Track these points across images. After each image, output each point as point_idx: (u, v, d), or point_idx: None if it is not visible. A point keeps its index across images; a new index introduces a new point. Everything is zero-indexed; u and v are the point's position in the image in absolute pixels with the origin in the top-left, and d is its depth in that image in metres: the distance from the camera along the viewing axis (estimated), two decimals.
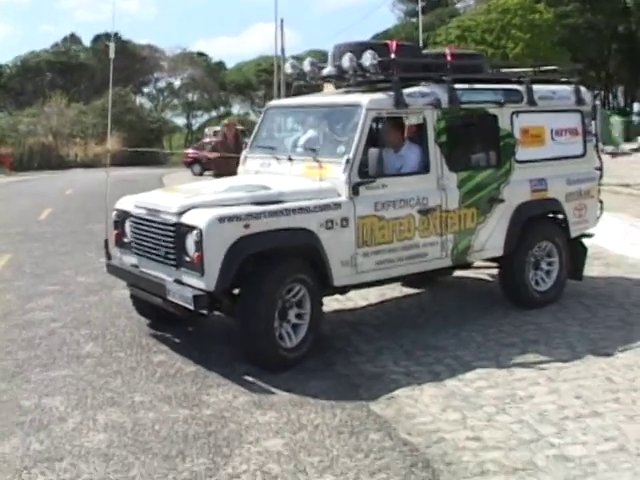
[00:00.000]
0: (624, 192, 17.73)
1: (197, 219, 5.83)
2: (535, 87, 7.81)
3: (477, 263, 7.88)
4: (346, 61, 6.90)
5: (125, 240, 6.96)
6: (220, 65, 74.51)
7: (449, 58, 7.59)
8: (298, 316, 6.18)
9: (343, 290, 6.74)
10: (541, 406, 5.27)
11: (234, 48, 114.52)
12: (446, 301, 8.38)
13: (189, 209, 6.02)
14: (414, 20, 51.50)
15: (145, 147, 46.77)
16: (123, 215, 6.96)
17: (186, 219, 5.94)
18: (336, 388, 5.71)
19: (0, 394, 5.65)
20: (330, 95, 7.69)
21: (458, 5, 52.59)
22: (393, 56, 6.93)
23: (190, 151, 36.50)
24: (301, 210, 6.11)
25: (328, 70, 7.35)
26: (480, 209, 7.25)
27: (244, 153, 7.81)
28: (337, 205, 6.30)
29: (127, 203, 6.95)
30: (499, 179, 7.42)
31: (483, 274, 8.92)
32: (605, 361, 6.16)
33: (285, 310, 6.09)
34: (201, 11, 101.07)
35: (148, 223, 6.45)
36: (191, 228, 5.83)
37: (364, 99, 6.65)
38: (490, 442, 4.73)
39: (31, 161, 46.21)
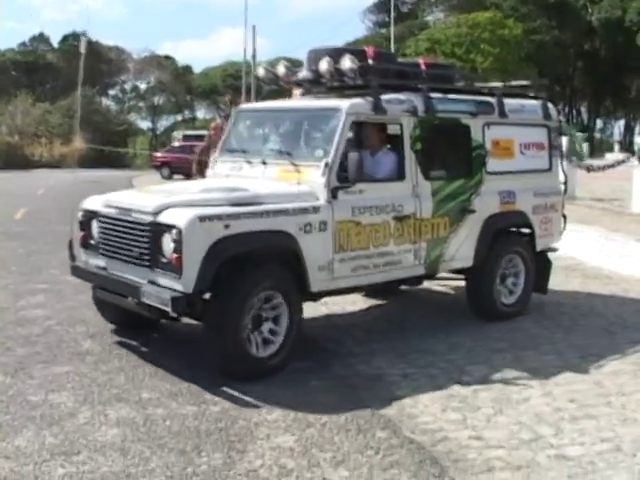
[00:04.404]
0: (598, 206, 18.18)
1: (176, 218, 5.67)
2: (506, 100, 7.88)
3: (442, 274, 7.82)
4: (324, 65, 6.84)
5: (91, 241, 6.73)
6: (187, 69, 74.31)
7: (424, 67, 7.67)
8: (275, 322, 6.07)
9: (317, 296, 6.62)
10: (537, 408, 5.48)
11: (201, 52, 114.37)
12: (429, 307, 8.61)
13: (165, 208, 5.86)
14: (383, 31, 51.96)
15: (111, 149, 46.54)
16: (90, 215, 6.73)
17: (163, 218, 5.77)
18: (337, 388, 5.85)
19: (6, 389, 5.70)
20: (305, 100, 7.62)
21: (428, 18, 53.15)
22: (371, 62, 6.95)
23: (159, 154, 36.50)
24: (281, 212, 6.02)
25: (304, 74, 7.29)
26: (452, 219, 7.26)
27: (213, 157, 7.69)
28: (316, 209, 6.23)
29: (94, 203, 6.73)
30: (470, 189, 7.47)
31: (445, 287, 9.11)
32: (593, 367, 6.40)
33: (260, 317, 5.98)
34: (168, 13, 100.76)
35: (120, 223, 6.24)
36: (169, 227, 5.66)
37: (344, 103, 6.62)
38: (492, 441, 4.91)
39: None
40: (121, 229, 6.21)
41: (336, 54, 6.89)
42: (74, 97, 50.15)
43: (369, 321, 7.99)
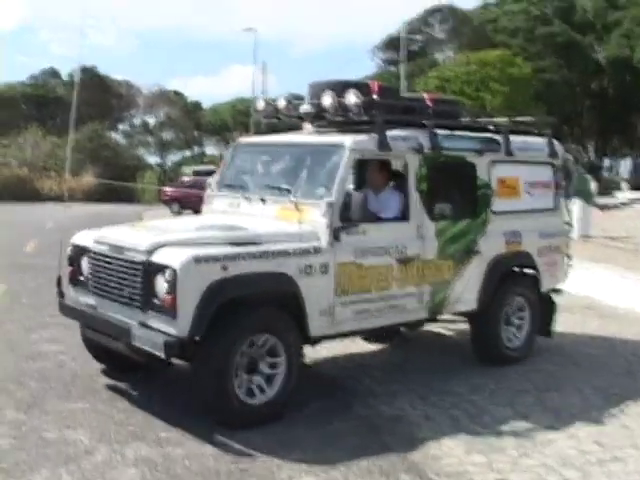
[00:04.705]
0: (612, 244, 18.10)
1: (170, 258, 5.39)
2: (512, 137, 7.60)
3: (446, 317, 7.55)
4: (327, 99, 6.57)
5: (81, 278, 6.45)
6: (196, 105, 74.76)
7: (429, 103, 7.37)
8: (271, 368, 5.75)
9: (317, 341, 6.28)
10: (562, 451, 5.37)
11: (210, 88, 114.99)
12: (445, 348, 8.44)
13: (160, 247, 5.58)
14: (393, 69, 52.25)
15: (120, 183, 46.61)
16: (80, 251, 6.47)
17: (157, 258, 5.49)
18: (359, 429, 5.75)
19: (19, 425, 5.60)
20: (307, 134, 7.34)
21: (437, 56, 53.49)
22: (375, 97, 6.67)
23: (168, 189, 36.56)
24: (281, 253, 5.73)
25: (305, 108, 6.94)
26: (457, 260, 6.97)
27: (209, 192, 7.35)
28: (317, 250, 5.93)
29: (85, 238, 6.46)
30: (476, 230, 7.18)
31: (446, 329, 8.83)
32: (617, 408, 6.30)
33: (254, 361, 5.68)
34: (178, 50, 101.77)
35: (111, 261, 5.96)
36: (163, 268, 5.38)
37: (347, 140, 6.35)
38: None
39: (4, 193, 45.74)
40: (112, 267, 5.94)
41: (338, 88, 6.63)
42: (83, 131, 50.40)
43: (386, 360, 7.89)
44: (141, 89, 67.75)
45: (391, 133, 6.57)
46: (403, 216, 6.64)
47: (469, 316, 7.50)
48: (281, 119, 7.47)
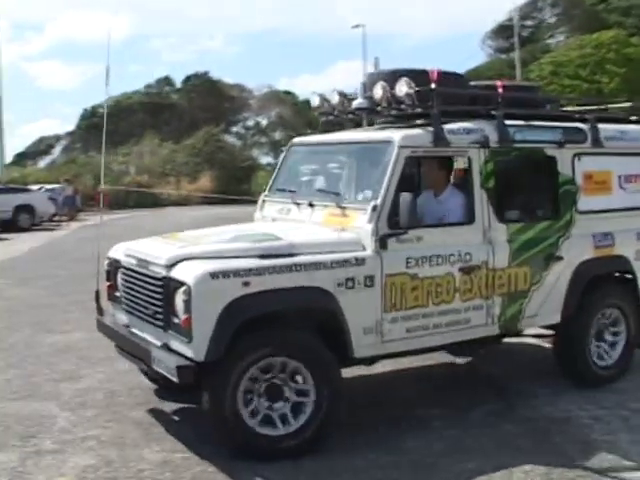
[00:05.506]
0: None
1: (186, 273, 4.93)
2: (601, 126, 6.77)
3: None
4: (378, 91, 5.98)
5: (117, 294, 6.06)
6: (306, 103, 75.46)
7: (500, 90, 6.65)
8: (299, 394, 5.20)
9: (371, 361, 5.80)
10: None
11: (317, 86, 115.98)
12: None
13: (181, 260, 5.13)
14: (504, 56, 51.38)
15: (235, 185, 47.44)
16: (115, 264, 6.08)
17: (176, 273, 5.03)
18: (529, 432, 5.66)
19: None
20: (360, 131, 6.80)
21: (549, 41, 52.27)
22: (433, 86, 5.97)
23: None
24: (315, 265, 5.16)
25: (358, 102, 6.33)
26: (534, 268, 6.18)
27: (262, 197, 6.88)
28: (360, 260, 5.33)
29: (120, 251, 6.07)
30: (557, 232, 6.38)
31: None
32: None
33: (278, 388, 5.14)
34: (283, 49, 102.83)
35: (137, 275, 5.57)
36: (180, 284, 4.93)
37: (396, 135, 5.72)
38: None
39: (126, 199, 47.30)
40: (139, 282, 5.54)
41: (393, 78, 5.97)
42: (198, 135, 51.67)
43: (540, 359, 7.64)
44: (252, 91, 68.95)
45: (450, 126, 5.93)
46: (467, 219, 5.96)
47: (553, 327, 6.66)
48: (337, 116, 6.84)
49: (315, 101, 6.84)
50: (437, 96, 5.89)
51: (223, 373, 4.94)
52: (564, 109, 7.73)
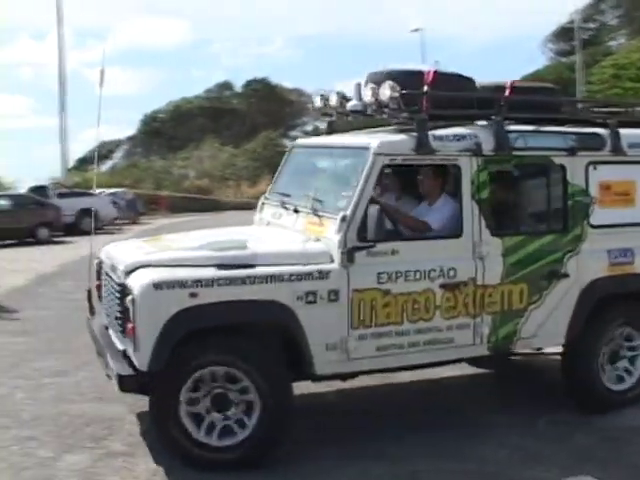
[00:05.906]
0: None
1: (135, 282, 4.80)
2: (625, 131, 6.16)
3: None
4: (367, 94, 5.66)
5: (102, 294, 5.97)
6: None
7: (507, 92, 6.17)
8: (245, 405, 5.01)
9: (342, 377, 5.55)
10: None
11: None
12: None
13: (139, 267, 4.98)
14: (565, 60, 50.73)
15: None
16: (99, 265, 6.02)
17: (130, 280, 4.89)
18: (602, 443, 5.56)
19: None
20: (349, 135, 6.43)
21: (610, 43, 51.44)
22: (426, 88, 5.58)
23: None
24: (271, 278, 4.90)
25: (353, 104, 6.08)
26: (533, 285, 5.68)
27: (262, 199, 6.73)
28: (324, 274, 5.02)
29: (104, 251, 6.01)
30: (564, 248, 5.83)
31: None
32: None
33: (225, 398, 4.98)
34: (336, 52, 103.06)
35: (108, 278, 5.52)
36: (130, 292, 4.81)
37: (374, 141, 5.35)
38: None
39: (188, 204, 47.80)
40: (109, 285, 5.49)
41: (383, 79, 5.54)
42: (258, 140, 52.03)
43: None
44: (312, 95, 69.27)
45: (438, 132, 5.50)
46: (453, 232, 5.53)
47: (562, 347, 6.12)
48: (333, 116, 6.56)
49: (317, 101, 6.53)
50: (429, 99, 5.50)
51: (166, 382, 4.85)
52: (590, 111, 7.07)
